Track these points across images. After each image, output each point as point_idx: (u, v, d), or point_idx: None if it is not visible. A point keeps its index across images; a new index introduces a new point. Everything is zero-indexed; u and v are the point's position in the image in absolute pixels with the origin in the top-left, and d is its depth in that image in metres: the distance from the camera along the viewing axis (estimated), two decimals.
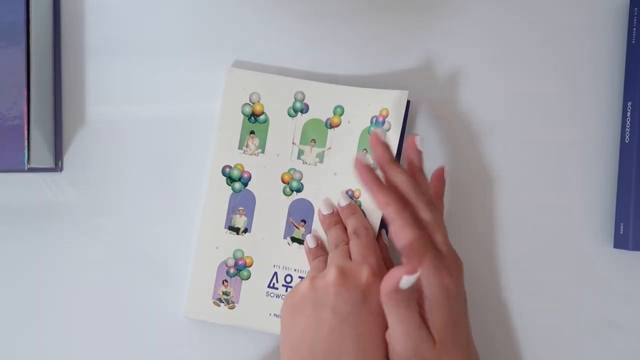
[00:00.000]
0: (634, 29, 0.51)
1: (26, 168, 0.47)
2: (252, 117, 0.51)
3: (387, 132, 0.49)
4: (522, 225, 0.52)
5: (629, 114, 0.51)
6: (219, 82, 0.52)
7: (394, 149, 0.48)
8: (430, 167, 0.49)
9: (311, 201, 0.51)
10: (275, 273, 0.51)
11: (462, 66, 0.52)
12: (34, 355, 0.52)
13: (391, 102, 0.49)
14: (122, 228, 0.52)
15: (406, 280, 0.39)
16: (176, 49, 0.52)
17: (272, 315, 0.51)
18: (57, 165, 0.52)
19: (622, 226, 0.50)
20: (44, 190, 0.52)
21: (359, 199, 0.49)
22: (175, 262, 0.52)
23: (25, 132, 0.47)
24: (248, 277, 0.51)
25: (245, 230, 0.51)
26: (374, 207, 0.48)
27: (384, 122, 0.49)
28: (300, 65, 0.52)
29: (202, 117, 0.52)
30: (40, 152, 0.49)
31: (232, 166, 0.51)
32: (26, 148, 0.47)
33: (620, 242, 0.51)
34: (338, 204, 0.50)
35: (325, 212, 0.50)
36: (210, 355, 0.52)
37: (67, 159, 0.52)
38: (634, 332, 0.52)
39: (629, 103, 0.51)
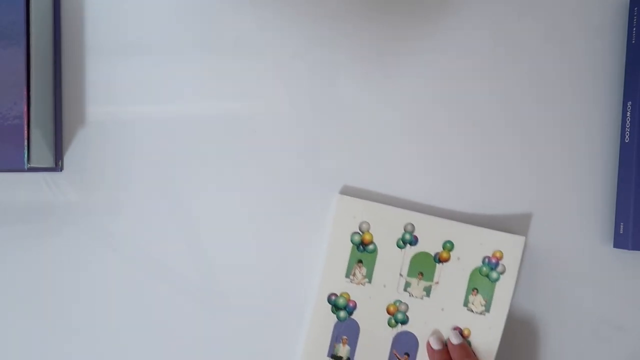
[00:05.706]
0: (634, 29, 0.51)
1: (26, 168, 0.47)
2: (361, 246, 0.51)
3: (502, 275, 0.50)
4: (522, 224, 0.52)
5: (628, 113, 0.51)
6: (209, 79, 0.52)
7: (508, 294, 0.49)
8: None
9: (416, 334, 0.50)
10: None
11: (462, 65, 0.52)
12: (32, 354, 0.52)
13: (506, 245, 0.50)
14: (122, 227, 0.52)
15: None
16: (176, 48, 0.52)
17: None
18: (57, 165, 0.52)
19: (622, 226, 0.50)
20: (44, 190, 0.52)
21: (468, 338, 0.50)
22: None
23: (25, 132, 0.47)
24: None
25: None
26: (486, 349, 0.49)
27: (497, 264, 0.50)
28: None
29: (205, 117, 0.52)
30: (40, 151, 0.49)
31: (338, 294, 0.51)
32: (26, 148, 0.47)
33: (620, 242, 0.51)
34: (448, 339, 0.50)
35: (436, 347, 0.49)
36: None
37: (67, 159, 0.52)
38: (634, 332, 0.52)
39: (629, 103, 0.51)
